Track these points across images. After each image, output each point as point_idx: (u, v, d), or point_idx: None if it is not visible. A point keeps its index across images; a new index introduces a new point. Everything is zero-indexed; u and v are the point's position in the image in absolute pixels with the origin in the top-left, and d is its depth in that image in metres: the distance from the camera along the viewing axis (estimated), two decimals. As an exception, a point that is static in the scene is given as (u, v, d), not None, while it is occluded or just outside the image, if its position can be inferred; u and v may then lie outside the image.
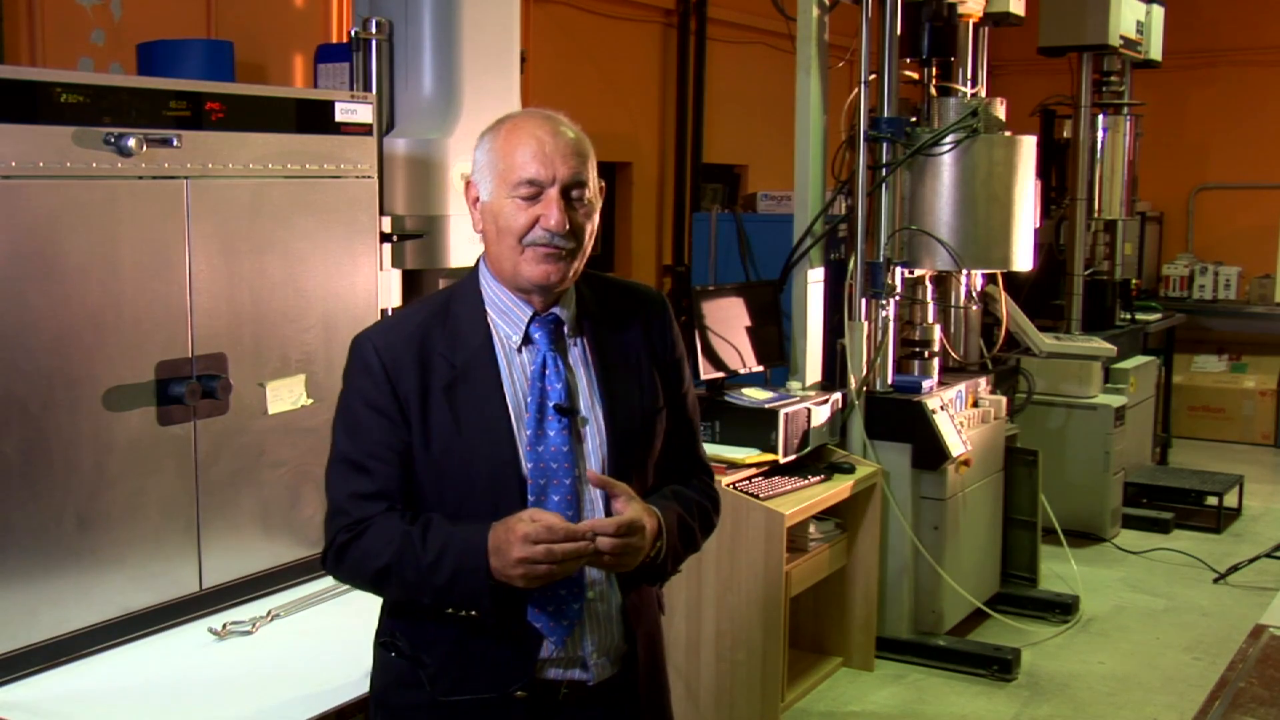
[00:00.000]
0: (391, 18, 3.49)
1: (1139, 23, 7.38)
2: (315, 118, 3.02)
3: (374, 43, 3.47)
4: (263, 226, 2.88)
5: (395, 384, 2.03)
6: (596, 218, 2.10)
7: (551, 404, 2.05)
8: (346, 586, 2.96)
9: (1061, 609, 5.65)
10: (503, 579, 1.93)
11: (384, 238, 3.30)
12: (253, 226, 2.86)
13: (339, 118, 3.08)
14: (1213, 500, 7.19)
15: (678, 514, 2.12)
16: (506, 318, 2.09)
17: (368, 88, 3.45)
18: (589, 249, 2.10)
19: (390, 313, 3.27)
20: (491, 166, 2.05)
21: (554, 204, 2.01)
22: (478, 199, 2.08)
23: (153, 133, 2.61)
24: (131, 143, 2.54)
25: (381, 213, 3.28)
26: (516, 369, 2.08)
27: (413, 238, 3.43)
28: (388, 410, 2.03)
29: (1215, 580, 6.18)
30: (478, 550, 1.94)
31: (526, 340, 2.09)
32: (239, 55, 4.08)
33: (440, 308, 2.11)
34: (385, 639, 2.15)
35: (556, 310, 2.10)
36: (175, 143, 2.65)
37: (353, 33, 3.49)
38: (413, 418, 2.03)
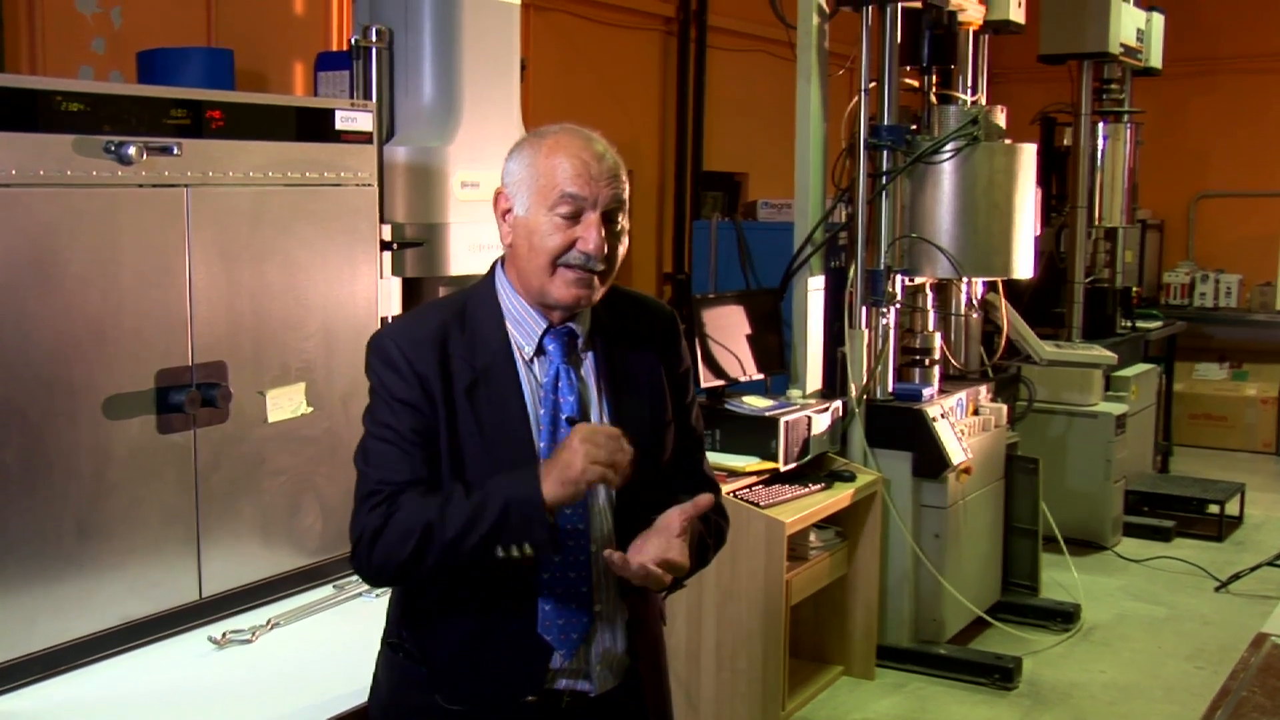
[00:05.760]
0: (392, 26, 3.49)
1: (1139, 30, 7.39)
2: (315, 126, 3.03)
3: (374, 50, 3.47)
4: (263, 234, 2.88)
5: (421, 378, 2.02)
6: (626, 241, 2.10)
7: (564, 416, 2.06)
8: (349, 593, 2.97)
9: (1063, 617, 5.64)
10: (555, 486, 1.91)
11: (384, 246, 3.30)
12: (253, 234, 2.86)
13: (339, 126, 3.08)
14: (1214, 508, 7.19)
15: (699, 532, 2.13)
16: (521, 328, 2.10)
17: (368, 95, 3.45)
18: (615, 273, 2.10)
19: (390, 320, 3.28)
20: (530, 181, 2.03)
21: (594, 227, 2.00)
22: (509, 211, 2.07)
23: (153, 141, 2.61)
24: (132, 151, 2.54)
25: (381, 221, 3.28)
26: (532, 378, 2.09)
27: (413, 245, 3.43)
28: (417, 402, 2.02)
29: (1217, 589, 6.18)
30: (529, 475, 1.93)
31: (539, 351, 2.09)
32: (239, 63, 4.09)
33: (457, 311, 2.11)
34: (394, 640, 2.16)
35: (571, 324, 2.10)
36: (175, 151, 2.65)
37: (353, 40, 3.50)
38: (439, 410, 2.03)
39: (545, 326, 2.09)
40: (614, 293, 2.21)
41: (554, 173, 2.01)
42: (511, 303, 2.10)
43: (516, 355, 2.08)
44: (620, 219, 2.06)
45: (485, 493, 1.95)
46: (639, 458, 2.07)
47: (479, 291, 2.14)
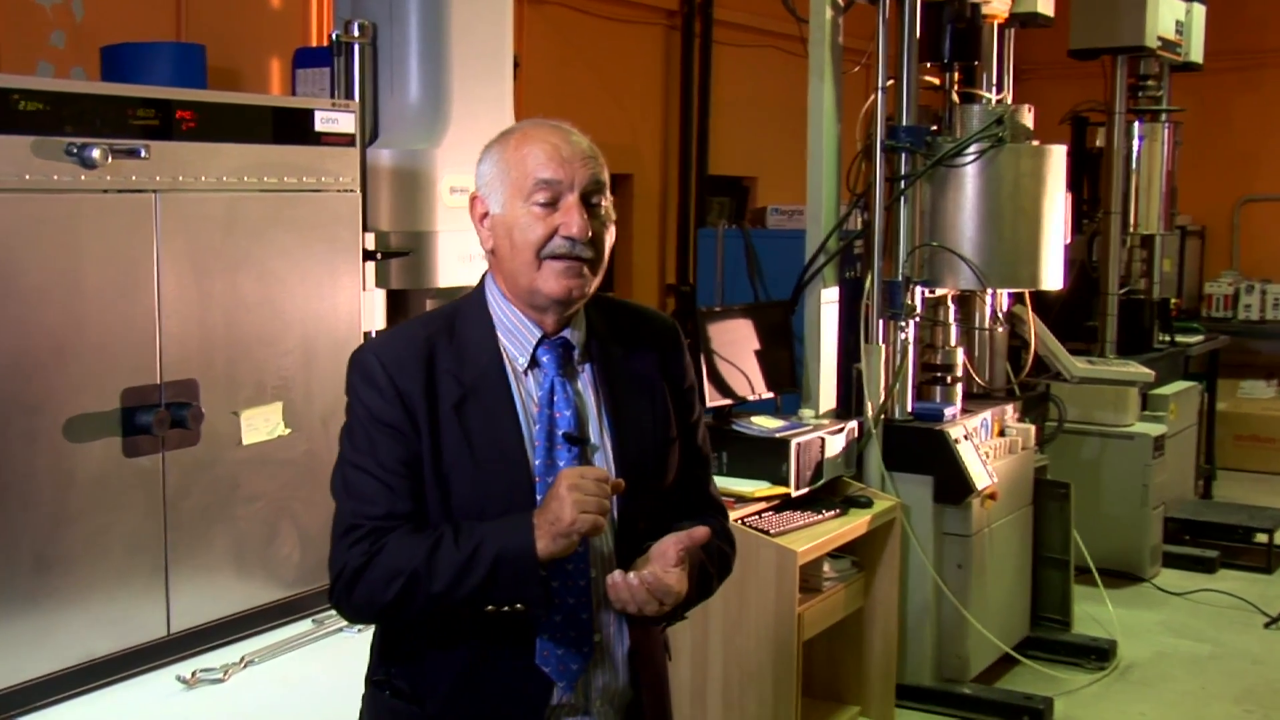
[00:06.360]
0: (375, 20, 3.51)
1: (1178, 22, 7.39)
2: (293, 127, 3.04)
3: (356, 46, 3.49)
4: (237, 243, 2.90)
5: (403, 397, 2.05)
6: (614, 229, 2.14)
7: (561, 432, 2.08)
8: (329, 629, 2.98)
9: (1097, 655, 5.64)
10: (548, 541, 1.94)
11: (367, 255, 3.32)
12: (226, 243, 2.87)
13: (319, 127, 3.10)
14: (1262, 537, 7.18)
15: (700, 560, 2.14)
16: (514, 338, 2.12)
17: (350, 95, 3.47)
18: (606, 263, 2.13)
19: (374, 335, 3.29)
20: (503, 176, 2.08)
21: (575, 210, 2.04)
22: (485, 214, 2.11)
23: (119, 143, 2.63)
24: (96, 154, 2.56)
25: (365, 229, 3.30)
26: (525, 392, 2.11)
27: (398, 255, 3.45)
28: (398, 424, 2.05)
29: (1266, 625, 6.16)
30: (522, 526, 1.96)
31: (533, 363, 2.12)
32: (211, 59, 4.10)
33: (445, 323, 2.14)
34: (380, 678, 2.17)
35: (566, 333, 2.13)
36: (143, 153, 2.67)
37: (334, 36, 3.52)
38: (422, 431, 2.05)
39: (539, 336, 2.12)
40: (611, 303, 2.25)
41: (525, 162, 2.06)
42: (502, 312, 2.13)
43: (509, 369, 2.11)
44: (602, 201, 2.10)
45: (475, 543, 1.98)
46: (641, 478, 2.09)
47: (468, 302, 2.17)
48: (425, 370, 2.06)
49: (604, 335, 2.19)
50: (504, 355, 2.11)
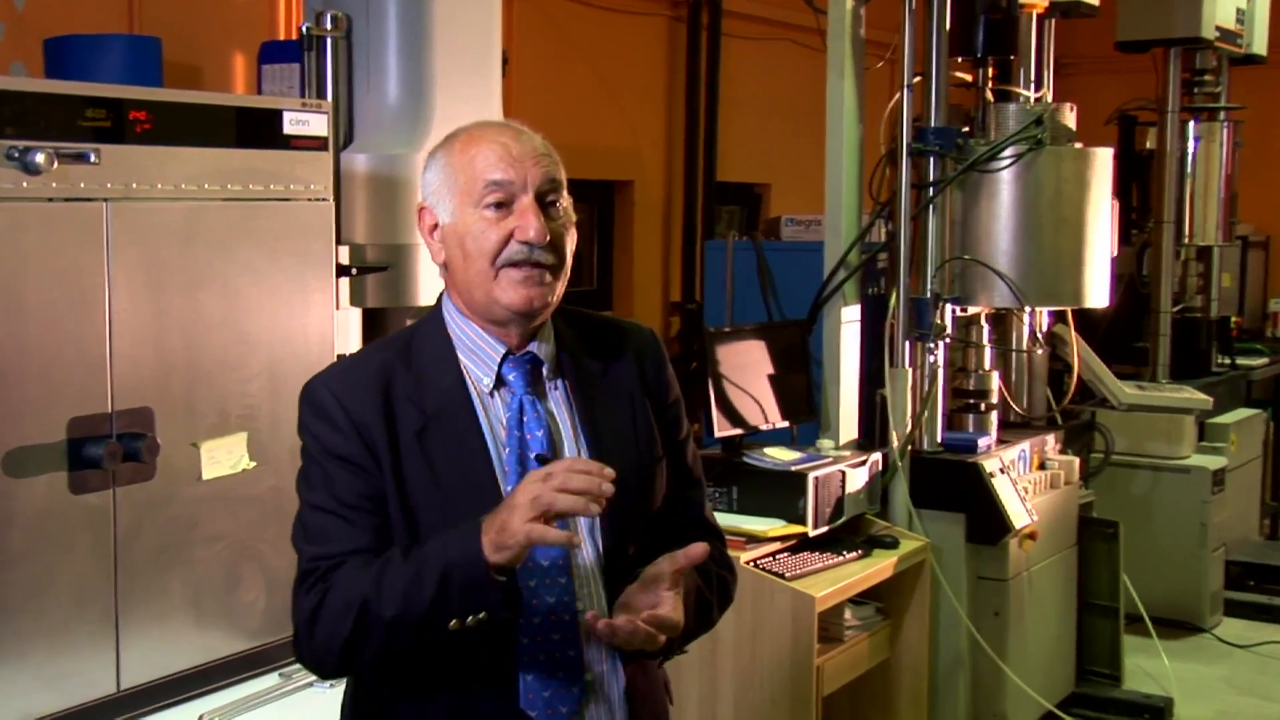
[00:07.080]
0: (350, 11, 3.53)
1: (1239, 10, 7.38)
2: (259, 129, 3.06)
3: (329, 40, 3.51)
4: (197, 257, 2.91)
5: (360, 430, 2.07)
6: (575, 232, 2.16)
7: (533, 454, 2.10)
8: (297, 683, 2.98)
9: (1151, 713, 5.62)
10: (493, 550, 1.91)
11: (341, 270, 3.33)
12: (185, 257, 2.89)
13: (288, 129, 3.12)
14: (1336, 583, 7.18)
15: (696, 586, 2.16)
16: (476, 358, 2.15)
17: (322, 94, 3.49)
18: (569, 270, 2.16)
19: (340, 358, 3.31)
20: (449, 183, 2.11)
21: (530, 211, 2.07)
22: (435, 225, 2.14)
23: (65, 146, 2.64)
24: (40, 158, 2.57)
25: (338, 241, 3.31)
26: (493, 414, 2.13)
27: (375, 270, 3.46)
28: (356, 458, 2.07)
29: (1340, 680, 6.16)
30: (469, 533, 1.94)
31: (500, 383, 2.14)
32: (168, 54, 4.12)
33: (401, 348, 2.17)
34: None
35: (533, 348, 2.16)
36: (92, 158, 2.68)
37: (304, 28, 3.53)
38: (384, 464, 2.06)
39: (503, 353, 2.14)
40: (581, 315, 2.28)
41: (473, 164, 2.09)
42: (461, 330, 2.16)
43: (473, 390, 2.13)
44: (559, 201, 2.13)
45: (421, 558, 1.98)
46: (626, 500, 2.09)
47: (425, 323, 2.20)
48: (382, 399, 2.09)
49: (576, 348, 2.21)
50: (467, 377, 2.14)
